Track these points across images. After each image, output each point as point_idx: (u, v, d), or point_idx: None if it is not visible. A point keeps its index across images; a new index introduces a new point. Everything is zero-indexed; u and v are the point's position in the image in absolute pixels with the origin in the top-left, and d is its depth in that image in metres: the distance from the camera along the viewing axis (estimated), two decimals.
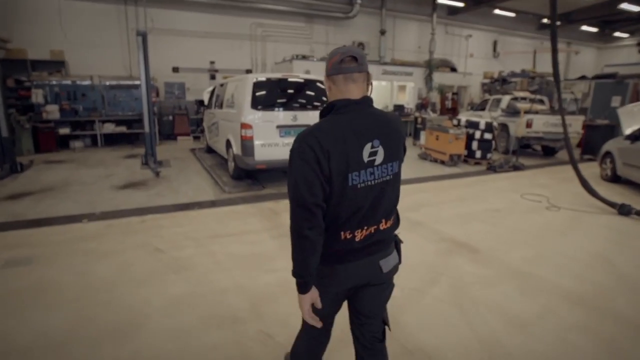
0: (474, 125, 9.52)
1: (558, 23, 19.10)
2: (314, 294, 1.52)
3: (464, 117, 10.72)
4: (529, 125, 10.19)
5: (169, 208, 5.42)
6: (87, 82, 11.07)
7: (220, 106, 7.77)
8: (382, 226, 1.56)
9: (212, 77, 12.38)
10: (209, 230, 4.57)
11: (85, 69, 11.37)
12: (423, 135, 12.03)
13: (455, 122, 10.12)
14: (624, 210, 5.61)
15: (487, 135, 9.37)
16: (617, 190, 6.92)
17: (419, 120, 12.78)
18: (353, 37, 15.66)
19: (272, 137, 6.36)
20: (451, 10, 17.82)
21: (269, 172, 7.18)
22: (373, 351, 1.73)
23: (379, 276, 1.60)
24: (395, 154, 1.54)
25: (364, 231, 1.51)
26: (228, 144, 6.99)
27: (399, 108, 15.38)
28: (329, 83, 1.52)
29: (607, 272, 3.70)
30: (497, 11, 18.23)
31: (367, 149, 1.45)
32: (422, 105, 16.30)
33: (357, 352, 1.77)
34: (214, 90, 8.89)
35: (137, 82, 10.18)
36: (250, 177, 7.06)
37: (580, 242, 4.50)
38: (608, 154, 7.92)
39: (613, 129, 10.92)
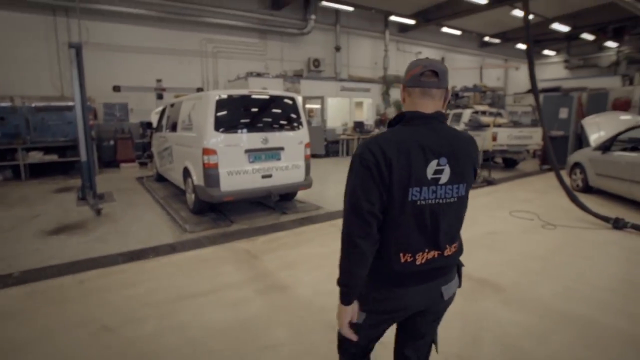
0: None
1: (498, 41, 19.96)
2: (355, 307, 1.46)
3: None
4: (494, 138, 10.17)
5: (116, 259, 4.28)
6: (6, 104, 9.41)
7: (173, 129, 6.73)
8: (447, 252, 1.46)
9: (160, 97, 11.18)
10: (173, 289, 3.55)
11: (4, 89, 9.70)
12: None
13: None
14: (618, 225, 5.39)
15: None
16: (594, 201, 6.82)
17: None
18: (308, 53, 15.20)
19: (240, 163, 5.47)
20: (402, 28, 18.08)
21: (236, 203, 6.23)
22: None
23: (439, 303, 1.53)
24: (463, 176, 1.42)
25: (425, 254, 1.42)
26: (186, 173, 5.96)
27: (359, 125, 15.03)
28: (404, 94, 1.46)
29: None
30: (444, 29, 18.80)
31: (432, 166, 1.36)
32: (381, 122, 16.14)
33: None
34: (164, 110, 7.81)
35: (70, 104, 8.76)
36: (214, 210, 6.06)
37: (598, 265, 4.09)
38: (577, 164, 7.92)
39: (567, 140, 11.30)
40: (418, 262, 1.41)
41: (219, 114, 5.35)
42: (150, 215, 6.11)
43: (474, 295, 3.37)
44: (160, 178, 8.32)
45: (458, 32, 19.52)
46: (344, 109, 16.01)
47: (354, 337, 1.49)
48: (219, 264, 4.17)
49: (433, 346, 1.70)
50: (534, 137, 10.51)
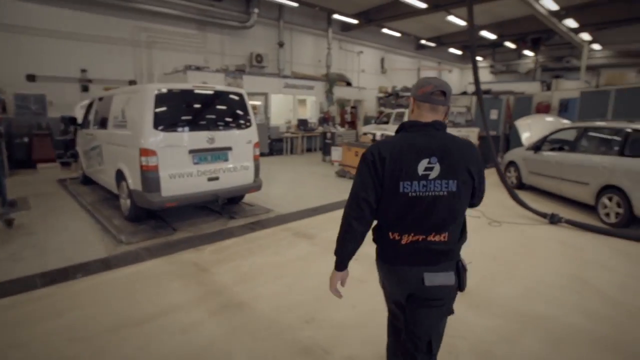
0: None
1: (433, 45, 20.89)
2: (344, 275, 1.79)
3: (378, 131, 10.59)
4: None
5: (34, 282, 3.59)
6: None
7: (103, 125, 5.96)
8: (431, 238, 1.64)
9: (85, 89, 10.00)
10: (109, 316, 3.01)
11: None
12: (336, 151, 11.63)
13: (370, 137, 9.91)
14: (554, 220, 5.76)
15: None
16: (528, 197, 7.27)
17: (328, 135, 12.37)
18: (250, 48, 14.63)
19: (183, 165, 4.96)
20: (344, 27, 18.17)
21: (179, 209, 5.67)
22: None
23: (422, 289, 1.65)
24: (454, 173, 1.61)
25: (410, 237, 1.64)
26: (120, 176, 5.29)
27: (302, 122, 14.82)
28: (414, 106, 1.72)
29: (601, 301, 3.41)
30: (384, 30, 19.26)
31: (423, 164, 1.60)
32: (324, 119, 16.09)
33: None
34: (91, 104, 6.92)
35: None
36: (153, 216, 5.46)
37: (547, 263, 4.27)
38: (512, 163, 8.44)
39: (498, 140, 12.11)
40: (403, 242, 1.65)
41: (159, 110, 4.79)
42: (77, 224, 5.33)
43: None
44: (88, 180, 7.39)
45: (397, 34, 20.11)
46: (288, 106, 15.70)
47: (339, 295, 1.82)
48: (163, 280, 3.68)
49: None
50: (471, 137, 11.09)
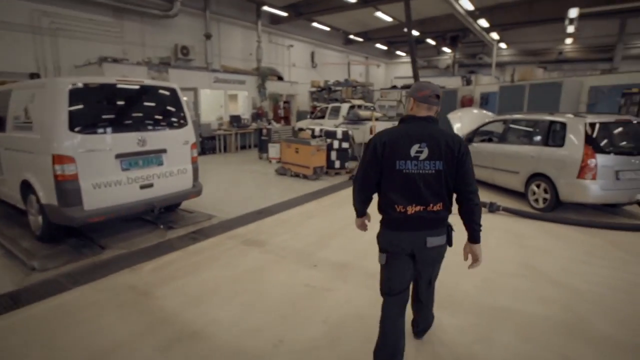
0: (331, 135, 9.29)
1: (361, 40, 21.28)
2: (364, 220, 2.43)
3: (316, 127, 10.41)
4: (371, 132, 10.68)
5: None
6: None
7: (0, 127, 4.94)
8: (430, 208, 2.10)
9: None
10: None
11: None
12: (273, 148, 11.24)
13: (309, 132, 9.71)
14: (493, 208, 6.06)
15: (345, 145, 9.24)
16: None
17: (264, 131, 11.91)
18: (175, 39, 13.52)
19: (109, 172, 4.28)
20: (274, 19, 17.72)
21: (106, 222, 4.91)
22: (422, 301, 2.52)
23: (424, 249, 2.17)
24: (439, 156, 2.07)
25: (414, 207, 2.09)
26: (26, 188, 4.41)
27: (235, 119, 14.12)
28: (413, 104, 2.17)
29: (555, 287, 3.57)
30: (314, 24, 19.18)
31: (414, 147, 2.06)
32: (257, 115, 15.56)
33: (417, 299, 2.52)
34: None
35: None
36: (74, 233, 4.66)
37: (497, 252, 4.40)
38: None
39: None
40: (409, 212, 2.08)
41: (74, 108, 4.05)
42: None
43: None
44: None
45: (327, 28, 20.16)
46: (219, 102, 14.87)
47: (366, 229, 2.45)
48: (94, 314, 3.07)
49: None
50: None
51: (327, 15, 17.75)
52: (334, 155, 9.16)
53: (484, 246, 2.28)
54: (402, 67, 29.37)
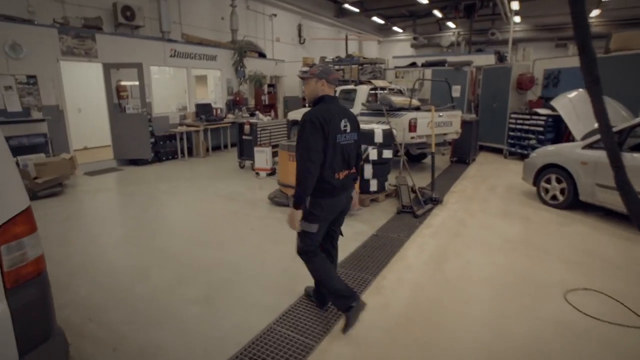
0: (363, 137, 5.55)
1: (357, 10, 16.95)
2: (301, 211, 2.45)
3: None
4: (412, 127, 7.03)
5: None
6: None
7: None
8: (351, 170, 2.65)
9: None
10: None
11: None
12: (261, 153, 7.41)
13: None
14: None
15: (387, 153, 5.53)
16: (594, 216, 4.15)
17: (246, 128, 7.97)
18: None
19: None
20: None
21: None
22: (335, 245, 2.92)
23: (348, 204, 2.73)
24: (354, 129, 2.63)
25: (344, 172, 2.56)
26: None
27: (204, 109, 10.14)
28: (322, 85, 2.57)
29: None
30: None
31: (343, 123, 2.52)
32: (235, 103, 11.64)
33: (327, 249, 2.83)
34: None
35: None
36: None
37: None
38: (551, 169, 5.30)
39: (479, 125, 9.14)
40: (341, 178, 2.56)
41: None
42: None
43: None
44: None
45: None
46: (181, 85, 10.82)
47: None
48: None
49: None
50: (454, 124, 7.84)
51: None
52: (368, 171, 5.46)
53: None
54: (399, 45, 25.75)
